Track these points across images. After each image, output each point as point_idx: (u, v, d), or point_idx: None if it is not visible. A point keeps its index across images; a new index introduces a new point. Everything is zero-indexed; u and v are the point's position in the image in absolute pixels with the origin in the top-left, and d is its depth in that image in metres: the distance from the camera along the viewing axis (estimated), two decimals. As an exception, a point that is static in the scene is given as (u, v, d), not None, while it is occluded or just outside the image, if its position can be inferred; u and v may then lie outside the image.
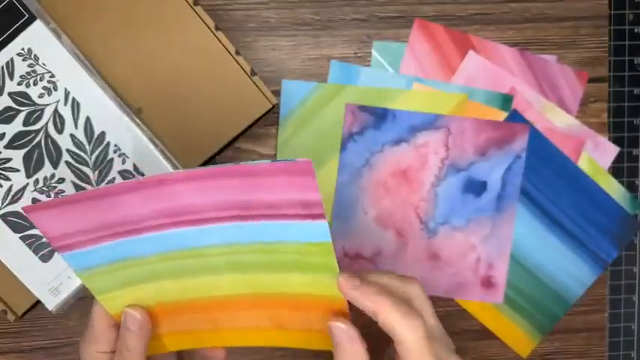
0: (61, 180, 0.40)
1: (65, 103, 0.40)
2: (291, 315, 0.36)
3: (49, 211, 0.31)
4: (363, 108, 0.47)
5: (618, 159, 0.49)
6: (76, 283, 0.41)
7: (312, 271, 0.34)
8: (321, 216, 0.31)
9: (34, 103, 0.40)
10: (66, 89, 0.40)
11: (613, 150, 0.49)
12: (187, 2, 0.41)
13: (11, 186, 0.40)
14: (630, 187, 0.49)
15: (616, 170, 0.49)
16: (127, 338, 0.34)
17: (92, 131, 0.40)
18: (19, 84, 0.40)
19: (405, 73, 0.48)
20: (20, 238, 0.40)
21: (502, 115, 0.48)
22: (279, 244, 0.33)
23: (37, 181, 0.40)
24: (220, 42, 0.42)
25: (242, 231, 0.33)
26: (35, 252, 0.40)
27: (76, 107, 0.40)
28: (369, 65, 0.47)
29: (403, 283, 0.35)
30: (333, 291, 0.34)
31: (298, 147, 0.47)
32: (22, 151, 0.40)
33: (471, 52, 0.48)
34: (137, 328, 0.34)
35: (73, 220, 0.32)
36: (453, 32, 0.48)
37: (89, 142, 0.40)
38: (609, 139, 0.49)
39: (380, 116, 0.47)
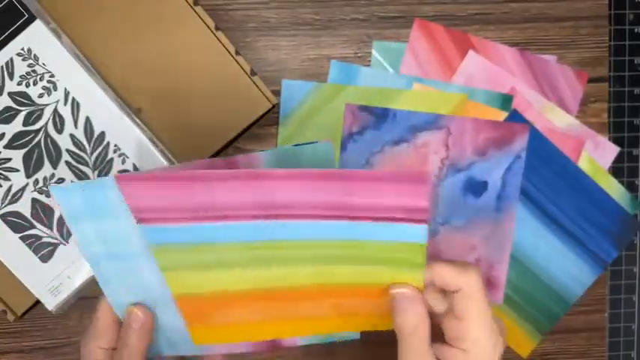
0: (61, 180, 0.40)
1: (65, 103, 0.40)
2: (360, 303, 0.37)
3: (139, 183, 0.32)
4: (363, 108, 0.47)
5: (618, 159, 0.49)
6: (76, 283, 0.41)
7: (398, 265, 0.35)
8: (424, 221, 0.33)
9: (34, 103, 0.40)
10: (66, 89, 0.40)
11: (613, 150, 0.49)
12: (187, 2, 0.41)
13: (11, 186, 0.40)
14: (630, 187, 0.49)
15: (616, 170, 0.49)
16: (128, 336, 0.35)
17: (92, 131, 0.40)
18: (18, 84, 0.40)
19: (405, 73, 0.47)
20: (20, 238, 0.40)
21: (502, 115, 0.48)
22: (371, 242, 0.34)
23: (36, 181, 0.40)
24: (220, 42, 0.42)
25: (333, 228, 0.33)
26: (35, 252, 0.40)
27: (75, 107, 0.40)
28: (369, 65, 0.47)
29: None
30: (416, 281, 0.35)
31: None
32: (22, 151, 0.40)
33: (470, 52, 0.48)
34: (139, 327, 0.35)
35: (160, 196, 0.32)
36: (453, 32, 0.48)
37: (89, 142, 0.40)
38: (609, 139, 0.49)
39: (380, 116, 0.47)
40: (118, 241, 0.33)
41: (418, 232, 0.34)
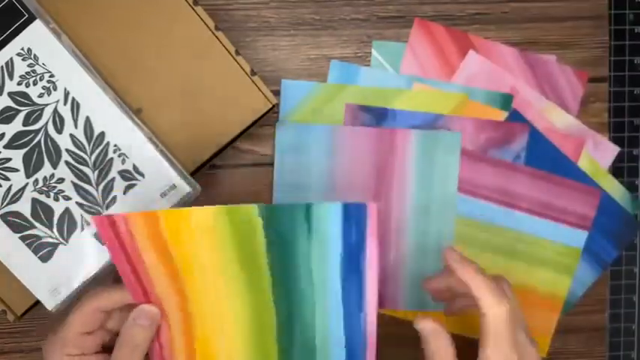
0: (61, 180, 0.40)
1: (65, 103, 0.40)
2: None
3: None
4: (363, 108, 0.47)
5: (618, 159, 0.49)
6: (76, 283, 0.41)
7: (555, 269, 0.47)
8: (587, 227, 0.47)
9: (34, 103, 0.40)
10: (65, 89, 0.40)
11: (613, 150, 0.49)
12: (187, 2, 0.41)
13: (11, 186, 0.40)
14: (630, 187, 0.49)
15: (616, 170, 0.49)
16: (135, 333, 0.36)
17: (92, 131, 0.40)
18: (18, 84, 0.40)
19: (405, 73, 0.47)
20: (20, 238, 0.40)
21: (502, 115, 0.48)
22: (546, 240, 0.47)
23: (36, 181, 0.40)
24: (220, 42, 0.42)
25: (530, 223, 0.47)
26: (35, 252, 0.40)
27: (75, 107, 0.40)
28: (369, 65, 0.47)
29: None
30: (560, 292, 0.47)
31: None
32: (22, 151, 0.40)
33: (471, 52, 0.48)
34: (149, 324, 0.36)
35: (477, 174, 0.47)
36: (453, 32, 0.48)
37: (89, 142, 0.40)
38: (609, 139, 0.49)
39: (380, 116, 0.47)
40: (303, 172, 0.46)
41: (579, 238, 0.47)
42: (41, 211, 0.40)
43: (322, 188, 0.46)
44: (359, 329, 0.37)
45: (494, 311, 0.35)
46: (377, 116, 0.47)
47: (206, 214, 0.34)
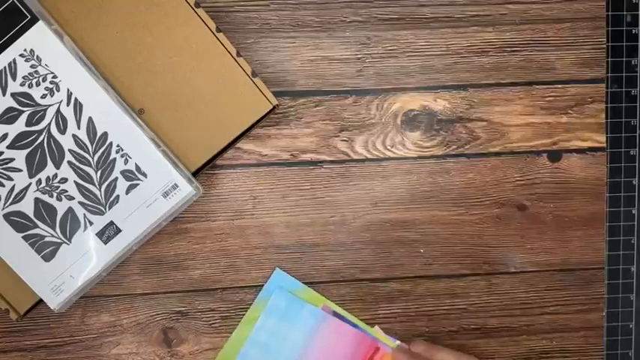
0: (64, 180, 0.41)
1: (68, 104, 0.40)
2: None
3: None
4: (338, 315, 0.48)
5: (616, 159, 0.49)
6: (78, 282, 0.41)
7: None
8: None
9: (37, 104, 0.40)
10: (68, 90, 0.40)
11: None
12: (189, 4, 0.42)
13: (14, 186, 0.40)
14: (627, 187, 0.50)
15: (614, 170, 0.50)
16: None
17: (95, 132, 0.40)
18: (21, 85, 0.40)
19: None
20: (23, 237, 0.41)
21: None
22: None
23: (39, 181, 0.40)
24: (221, 43, 0.42)
25: None
26: (38, 251, 0.41)
27: (78, 108, 0.40)
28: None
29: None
30: None
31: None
32: (25, 152, 0.40)
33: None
34: None
35: None
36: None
37: (92, 143, 0.40)
38: (606, 140, 0.49)
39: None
40: (277, 338, 0.47)
41: None
42: (44, 211, 0.41)
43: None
44: None
45: None
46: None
47: None
